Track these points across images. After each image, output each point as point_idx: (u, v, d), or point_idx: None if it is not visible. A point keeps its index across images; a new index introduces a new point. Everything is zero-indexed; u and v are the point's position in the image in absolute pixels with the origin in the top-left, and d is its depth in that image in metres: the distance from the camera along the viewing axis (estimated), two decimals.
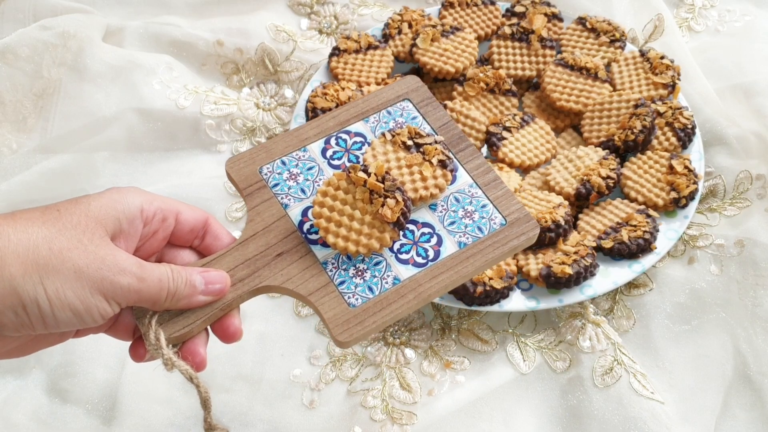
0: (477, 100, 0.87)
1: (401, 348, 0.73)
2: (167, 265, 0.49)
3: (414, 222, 0.59)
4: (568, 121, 0.88)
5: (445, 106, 0.84)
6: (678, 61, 0.91)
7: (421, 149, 0.60)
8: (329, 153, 0.62)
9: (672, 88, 0.87)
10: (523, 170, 0.83)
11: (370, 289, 0.56)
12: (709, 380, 0.71)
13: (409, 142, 0.61)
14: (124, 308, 0.49)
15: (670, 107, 0.84)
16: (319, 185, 0.60)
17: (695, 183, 0.78)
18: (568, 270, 0.71)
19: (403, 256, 0.57)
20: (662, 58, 0.88)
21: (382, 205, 0.56)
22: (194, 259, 0.55)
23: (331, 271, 0.56)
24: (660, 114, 0.84)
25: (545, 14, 0.94)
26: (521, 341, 0.73)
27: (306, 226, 0.58)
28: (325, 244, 0.57)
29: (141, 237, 0.50)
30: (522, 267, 0.73)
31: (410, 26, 0.94)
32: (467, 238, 0.58)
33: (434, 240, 0.58)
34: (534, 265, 0.73)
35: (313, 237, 0.58)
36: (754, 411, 0.70)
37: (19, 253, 0.43)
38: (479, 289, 0.70)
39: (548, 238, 0.73)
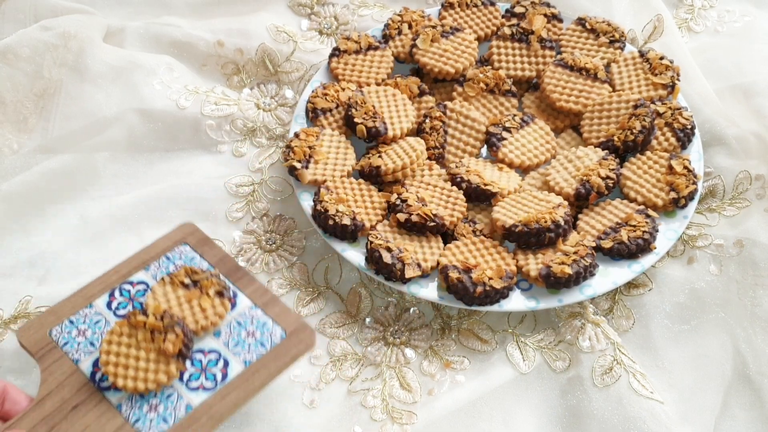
0: (477, 101, 0.87)
1: (401, 348, 0.73)
2: None
3: (201, 351, 0.64)
4: (567, 122, 0.88)
5: (446, 107, 0.85)
6: (677, 62, 0.91)
7: (198, 284, 0.67)
8: (114, 305, 0.67)
9: (671, 88, 0.87)
10: (523, 170, 0.84)
11: (165, 420, 0.61)
12: (709, 380, 0.71)
13: (187, 281, 0.67)
14: None
15: (670, 108, 0.84)
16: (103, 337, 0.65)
17: (694, 183, 0.78)
18: (568, 270, 0.71)
19: (193, 384, 0.62)
20: (662, 58, 0.88)
21: (164, 341, 0.61)
22: None
23: (126, 411, 0.61)
24: (659, 114, 0.84)
25: (545, 15, 0.94)
26: (521, 341, 0.73)
27: (98, 376, 0.63)
28: (118, 389, 0.62)
29: None
30: (522, 267, 0.74)
31: (410, 27, 0.94)
32: (252, 356, 0.64)
33: (221, 363, 0.63)
34: (534, 265, 0.73)
35: (106, 384, 0.62)
36: (754, 411, 0.70)
37: None
38: (479, 289, 0.70)
39: (548, 238, 0.73)
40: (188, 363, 0.63)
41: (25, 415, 0.60)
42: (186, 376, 0.63)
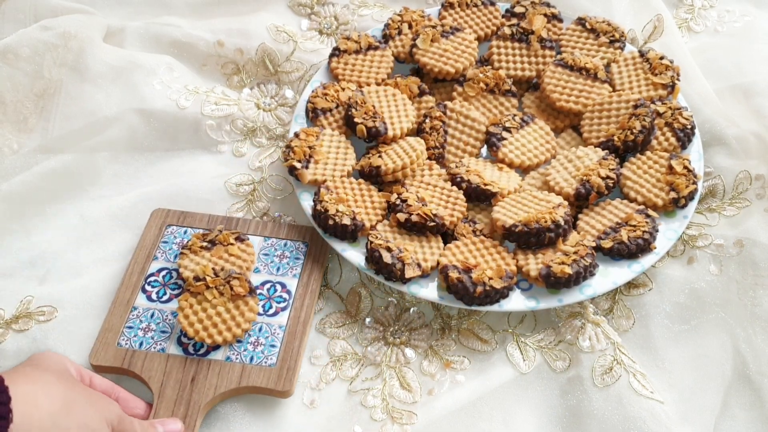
0: (477, 101, 0.87)
1: (401, 348, 0.73)
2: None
3: (256, 287, 0.74)
4: (567, 122, 0.88)
5: (446, 107, 0.85)
6: (677, 62, 0.91)
7: (215, 242, 0.75)
8: (153, 296, 0.73)
9: (671, 88, 0.87)
10: (523, 170, 0.84)
11: (273, 345, 0.70)
12: (709, 380, 0.71)
13: (204, 244, 0.75)
14: None
15: (670, 107, 0.84)
16: (170, 320, 0.71)
17: (694, 183, 0.78)
18: (568, 270, 0.71)
19: (271, 312, 0.72)
20: (662, 58, 0.88)
21: (231, 288, 0.70)
22: None
23: (237, 359, 0.69)
24: (659, 114, 0.84)
25: (545, 15, 0.94)
26: (521, 341, 0.73)
27: (191, 348, 0.69)
28: (216, 347, 0.69)
29: None
30: (522, 267, 0.74)
31: (410, 27, 0.94)
32: (296, 269, 0.76)
33: (279, 287, 0.74)
34: (534, 265, 0.73)
35: (203, 350, 0.69)
36: (754, 411, 0.70)
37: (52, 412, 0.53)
38: (479, 289, 0.70)
39: (548, 238, 0.73)
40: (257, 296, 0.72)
41: (157, 408, 0.65)
42: (261, 310, 0.72)
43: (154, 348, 0.69)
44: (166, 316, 0.71)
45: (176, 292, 0.74)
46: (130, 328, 0.71)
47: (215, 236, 0.75)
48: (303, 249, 0.77)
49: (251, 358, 0.69)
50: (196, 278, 0.70)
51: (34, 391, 0.52)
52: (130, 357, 0.69)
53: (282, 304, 0.73)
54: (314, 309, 0.73)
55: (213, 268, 0.71)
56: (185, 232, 0.78)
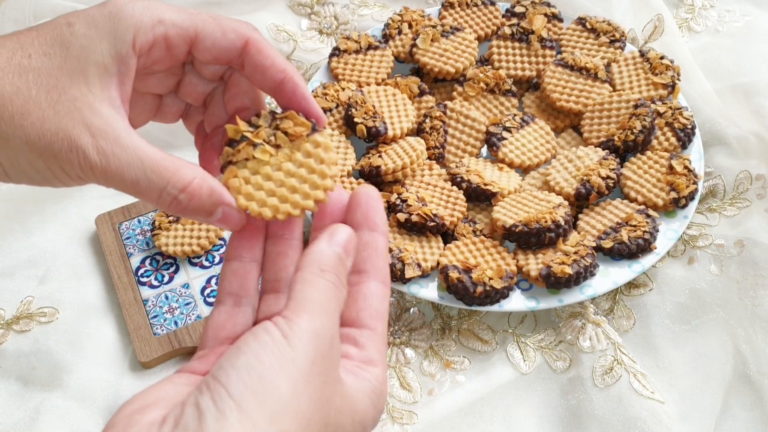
0: (477, 101, 0.87)
1: (401, 348, 0.73)
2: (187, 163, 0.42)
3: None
4: (568, 122, 0.88)
5: (446, 107, 0.84)
6: (678, 62, 0.91)
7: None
8: (154, 282, 0.74)
9: (672, 88, 0.87)
10: (523, 170, 0.84)
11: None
12: (709, 380, 0.71)
13: (170, 218, 0.77)
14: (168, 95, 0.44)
15: (670, 107, 0.84)
16: (185, 293, 0.73)
17: (695, 183, 0.78)
18: (568, 270, 0.71)
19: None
20: (662, 58, 0.88)
21: (286, 133, 0.44)
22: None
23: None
24: (660, 114, 0.84)
25: (545, 14, 0.94)
26: (521, 341, 0.73)
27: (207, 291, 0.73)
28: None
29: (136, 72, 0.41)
30: (522, 267, 0.73)
31: (410, 26, 0.94)
32: None
33: None
34: (534, 265, 0.73)
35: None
36: (754, 411, 0.70)
37: None
38: (479, 289, 0.70)
39: (548, 238, 0.73)
40: None
41: None
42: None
43: (190, 320, 0.71)
44: (179, 290, 0.73)
45: (172, 269, 0.75)
46: (155, 317, 0.72)
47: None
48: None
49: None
50: (231, 142, 0.44)
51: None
52: (175, 338, 0.70)
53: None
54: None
55: (246, 120, 0.44)
56: (139, 222, 0.79)
